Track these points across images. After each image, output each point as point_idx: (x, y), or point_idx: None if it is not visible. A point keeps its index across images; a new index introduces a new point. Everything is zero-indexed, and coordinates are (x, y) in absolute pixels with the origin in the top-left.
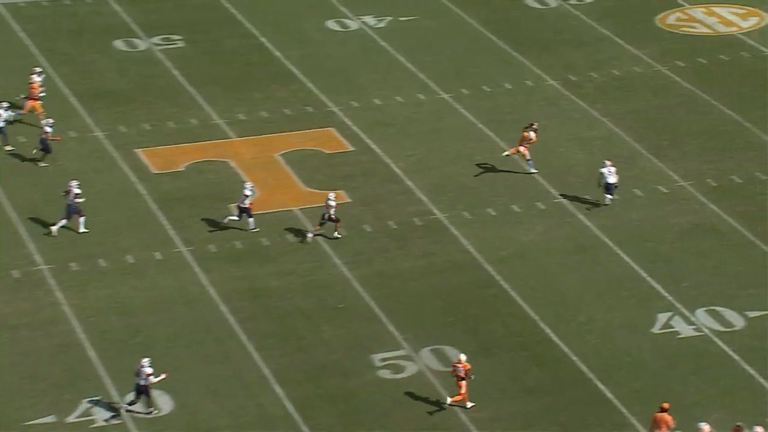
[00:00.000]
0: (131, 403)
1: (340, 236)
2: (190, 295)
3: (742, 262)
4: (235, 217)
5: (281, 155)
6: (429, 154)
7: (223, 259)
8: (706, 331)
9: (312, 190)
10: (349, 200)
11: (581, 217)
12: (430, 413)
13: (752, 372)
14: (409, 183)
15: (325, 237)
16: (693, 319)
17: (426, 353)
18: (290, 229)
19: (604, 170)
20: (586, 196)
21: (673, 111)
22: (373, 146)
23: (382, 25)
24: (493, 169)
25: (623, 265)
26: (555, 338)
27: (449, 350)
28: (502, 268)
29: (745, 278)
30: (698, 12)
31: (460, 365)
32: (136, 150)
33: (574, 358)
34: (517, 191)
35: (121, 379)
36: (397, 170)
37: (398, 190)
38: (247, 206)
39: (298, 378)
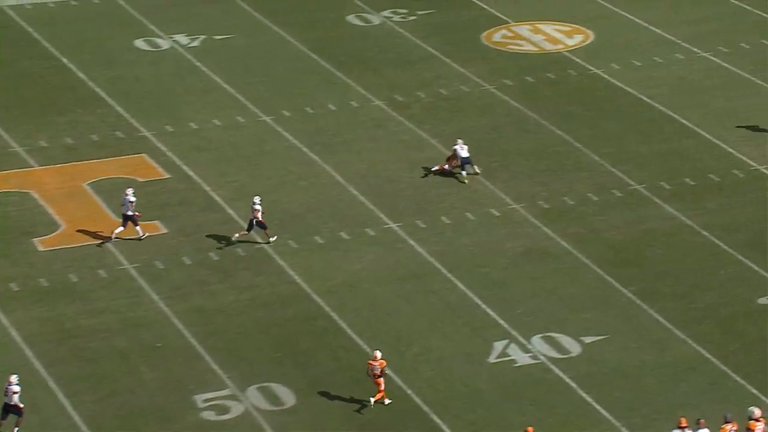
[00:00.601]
0: None
1: (272, 241)
2: None
3: (576, 285)
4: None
5: (89, 184)
6: (251, 180)
7: (27, 298)
8: (543, 358)
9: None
10: (166, 231)
11: (412, 242)
12: (357, 411)
13: (589, 399)
14: (231, 211)
15: (150, 268)
16: (529, 346)
17: (253, 392)
18: (101, 264)
19: (457, 147)
20: (417, 221)
21: (502, 131)
22: (191, 173)
23: (195, 44)
24: (319, 195)
25: (457, 292)
26: (388, 370)
27: (277, 388)
28: (331, 299)
29: (579, 302)
30: (524, 29)
31: (375, 363)
32: None
33: (410, 391)
34: (345, 218)
35: None
36: (218, 198)
37: (219, 219)
38: (133, 215)
39: (114, 425)
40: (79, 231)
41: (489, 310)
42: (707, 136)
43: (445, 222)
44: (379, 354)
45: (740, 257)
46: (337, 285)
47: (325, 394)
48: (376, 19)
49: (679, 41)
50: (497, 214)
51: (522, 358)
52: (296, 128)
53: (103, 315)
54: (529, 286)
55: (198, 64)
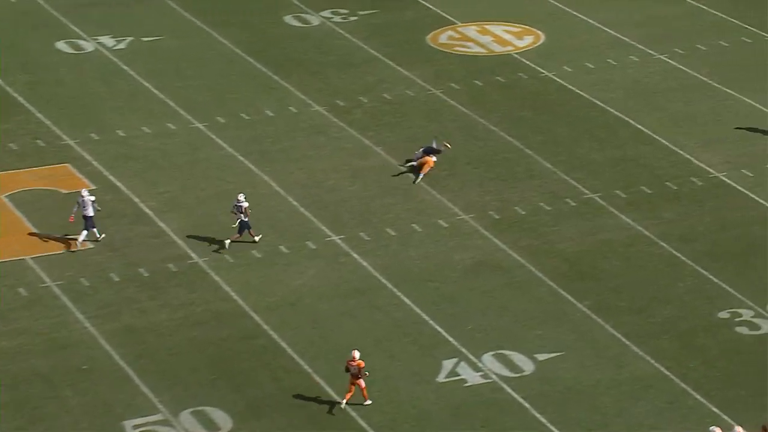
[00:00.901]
0: None
1: (257, 239)
2: None
3: (529, 300)
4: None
5: (8, 196)
6: (183, 191)
7: None
8: (494, 377)
9: (47, 234)
10: (92, 246)
11: (356, 256)
12: (328, 413)
13: (543, 420)
14: (162, 224)
15: (75, 286)
16: (480, 364)
17: (186, 416)
18: (22, 282)
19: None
20: (361, 233)
21: (450, 137)
22: (118, 184)
23: (122, 46)
24: (256, 207)
25: (404, 309)
26: (331, 392)
27: (213, 412)
28: (270, 317)
29: (532, 318)
30: (471, 30)
31: (354, 363)
32: None
33: (354, 413)
34: (284, 230)
35: None
36: (148, 210)
37: (149, 233)
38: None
39: None
40: None
41: (437, 327)
42: (664, 142)
43: (390, 234)
44: (357, 354)
45: (699, 269)
46: (276, 301)
47: (264, 417)
48: (315, 20)
49: (633, 42)
50: (445, 225)
51: (472, 377)
52: (231, 135)
53: (23, 336)
54: (479, 300)
55: (125, 67)
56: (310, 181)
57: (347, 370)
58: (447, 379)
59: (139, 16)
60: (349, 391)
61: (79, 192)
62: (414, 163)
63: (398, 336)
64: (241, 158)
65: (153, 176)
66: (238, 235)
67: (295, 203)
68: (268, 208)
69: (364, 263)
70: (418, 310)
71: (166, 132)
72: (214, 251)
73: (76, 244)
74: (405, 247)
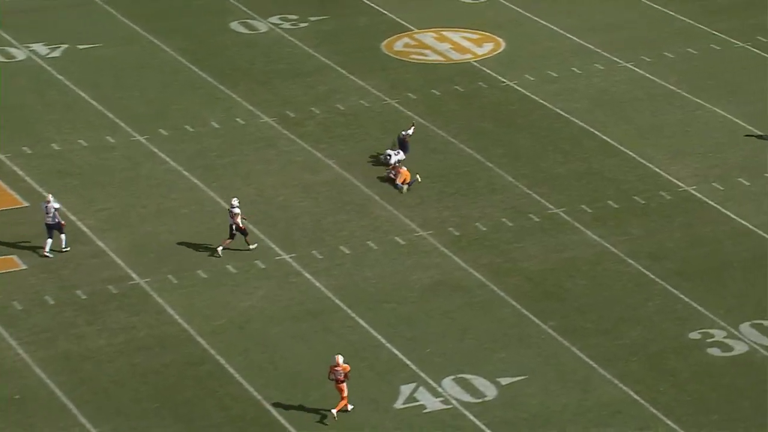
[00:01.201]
0: None
1: (253, 248)
2: None
3: (491, 321)
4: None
5: None
6: (124, 208)
7: None
8: (455, 402)
9: None
10: (24, 267)
11: (308, 276)
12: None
13: None
14: (101, 244)
15: (6, 310)
16: (440, 390)
17: None
18: None
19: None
20: (314, 252)
21: (407, 150)
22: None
23: (56, 54)
24: (202, 224)
25: (359, 331)
26: (284, 421)
27: None
28: (217, 341)
29: (494, 340)
30: (428, 37)
31: (339, 368)
32: None
33: None
34: (232, 249)
35: None
36: (85, 229)
37: (87, 253)
38: (58, 222)
39: None
40: None
41: (395, 351)
42: (631, 154)
43: (344, 252)
44: (340, 359)
45: (669, 287)
46: (223, 325)
47: None
48: (262, 27)
49: (598, 50)
50: (402, 242)
51: (432, 403)
52: (175, 149)
53: None
54: (438, 322)
55: (60, 76)
56: (259, 197)
57: (332, 377)
58: (405, 406)
59: (74, 22)
60: (343, 400)
61: (45, 198)
62: (392, 174)
63: (353, 360)
64: (186, 173)
65: (91, 193)
66: (230, 240)
67: (243, 220)
68: (214, 227)
69: (317, 283)
70: (374, 333)
71: (105, 145)
72: (210, 255)
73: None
74: (360, 267)
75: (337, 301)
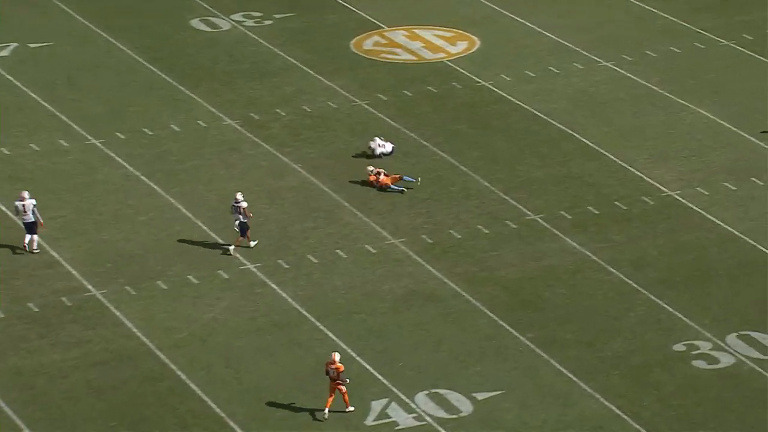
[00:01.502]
0: None
1: (252, 245)
2: None
3: (466, 333)
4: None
5: None
6: (78, 216)
7: None
8: (429, 419)
9: None
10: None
11: (274, 286)
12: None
13: None
14: (54, 253)
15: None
16: (413, 405)
17: None
18: None
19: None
20: (280, 261)
21: (377, 154)
22: (2, 207)
23: (5, 53)
24: (162, 232)
25: (328, 345)
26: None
27: None
28: (177, 355)
29: (470, 353)
30: (399, 35)
31: (333, 366)
32: None
33: None
34: (193, 258)
35: None
36: (37, 237)
37: (40, 263)
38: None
39: None
40: None
41: (365, 364)
42: (612, 157)
43: (312, 261)
44: (337, 356)
45: (652, 297)
46: (184, 338)
47: None
48: (225, 24)
49: (577, 48)
50: (373, 251)
51: (404, 420)
52: (133, 153)
53: None
54: (411, 334)
55: (9, 77)
56: (222, 203)
57: (327, 373)
58: (377, 422)
59: (24, 20)
60: (330, 397)
61: (20, 195)
62: (375, 183)
63: (322, 375)
64: (144, 179)
65: (44, 199)
66: (242, 237)
67: (205, 228)
68: (174, 235)
69: (284, 294)
70: (343, 346)
71: (58, 149)
72: (222, 253)
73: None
74: (329, 276)
75: (305, 313)
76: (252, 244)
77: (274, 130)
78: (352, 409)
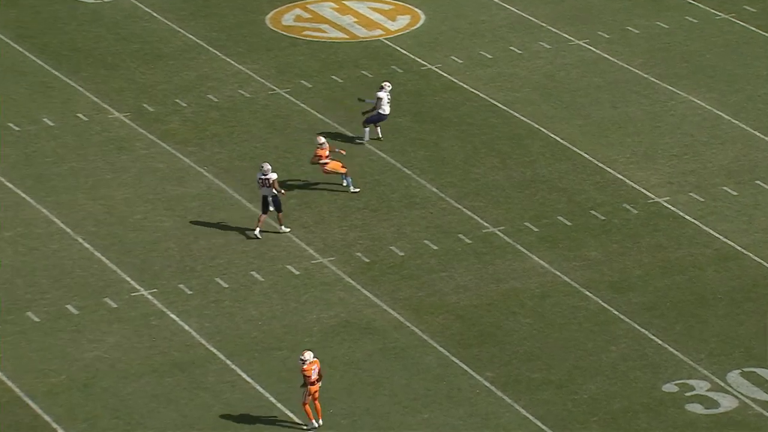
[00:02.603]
0: None
1: (287, 231)
2: None
3: (412, 372)
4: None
5: None
6: None
7: None
8: None
9: None
10: None
11: (174, 317)
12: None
13: None
14: None
15: None
16: None
17: None
18: None
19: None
20: (181, 286)
21: (301, 154)
22: None
23: None
24: (33, 251)
25: (241, 387)
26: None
27: None
28: (53, 404)
29: (416, 397)
30: (326, 8)
31: (315, 365)
32: None
33: None
34: (73, 283)
35: None
36: None
37: None
38: None
39: None
40: None
41: (288, 412)
42: (587, 156)
43: (221, 286)
44: (310, 355)
45: (636, 326)
46: (62, 383)
47: None
48: None
49: (544, 24)
50: (297, 272)
51: None
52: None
53: None
54: (345, 375)
55: None
56: (109, 215)
57: (308, 378)
58: None
59: None
60: (313, 402)
61: None
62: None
63: (236, 426)
64: (9, 185)
65: None
66: (279, 213)
67: (87, 246)
68: (49, 254)
69: (186, 326)
70: (260, 390)
71: None
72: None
73: None
74: (242, 304)
75: (213, 349)
76: (284, 229)
77: (173, 125)
78: (320, 423)
